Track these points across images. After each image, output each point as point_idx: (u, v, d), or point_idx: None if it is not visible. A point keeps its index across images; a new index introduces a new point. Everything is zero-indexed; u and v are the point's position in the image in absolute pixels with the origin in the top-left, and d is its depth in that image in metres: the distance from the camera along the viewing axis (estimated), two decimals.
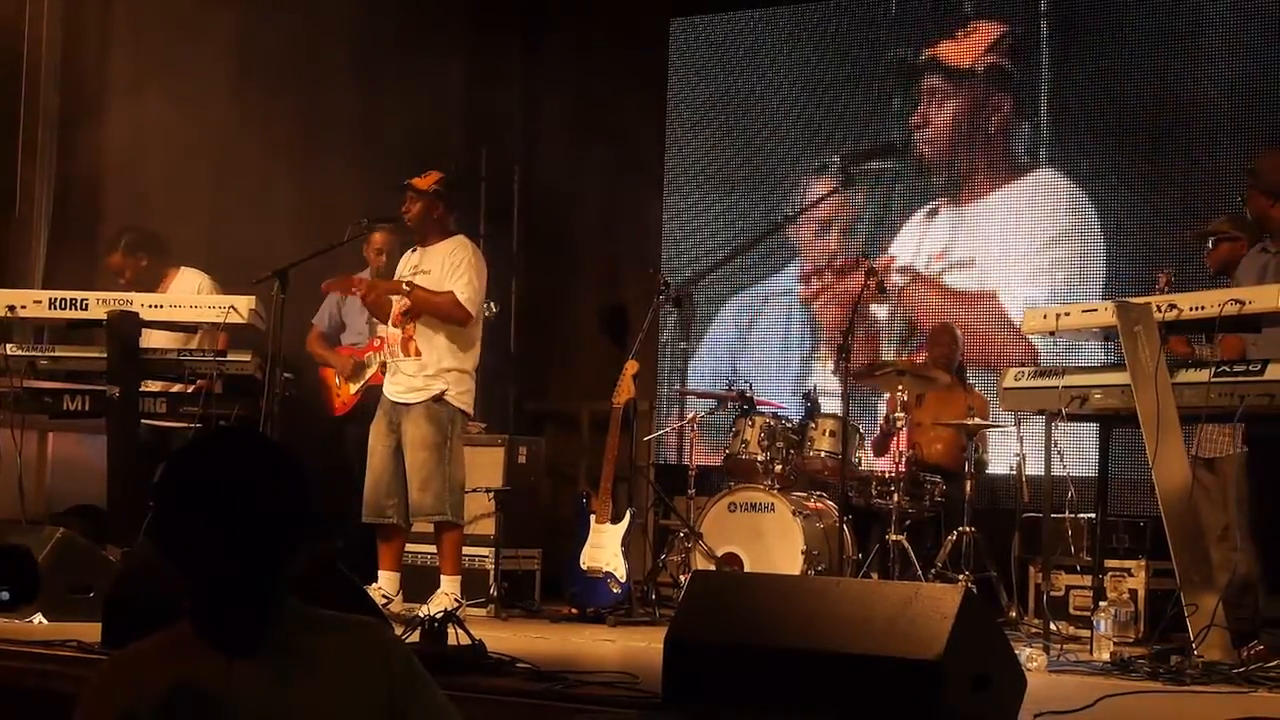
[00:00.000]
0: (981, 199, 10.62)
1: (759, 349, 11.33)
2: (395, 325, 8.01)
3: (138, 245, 8.66)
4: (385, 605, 7.48)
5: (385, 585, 7.87)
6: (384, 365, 8.69)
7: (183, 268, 8.75)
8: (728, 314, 11.50)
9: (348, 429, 9.05)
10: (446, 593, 7.83)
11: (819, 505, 8.90)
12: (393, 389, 8.00)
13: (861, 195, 11.03)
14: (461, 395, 8.00)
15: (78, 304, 7.91)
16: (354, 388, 9.22)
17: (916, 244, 10.77)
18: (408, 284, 7.95)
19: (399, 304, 8.00)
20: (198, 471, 2.56)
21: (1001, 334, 10.26)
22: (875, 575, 8.49)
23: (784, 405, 9.87)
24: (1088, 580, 8.18)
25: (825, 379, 10.26)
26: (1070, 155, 10.32)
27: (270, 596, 2.57)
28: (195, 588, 2.54)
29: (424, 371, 7.93)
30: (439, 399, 7.91)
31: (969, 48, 10.74)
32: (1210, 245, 7.84)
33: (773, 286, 11.35)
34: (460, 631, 5.44)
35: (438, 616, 5.51)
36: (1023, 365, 8.02)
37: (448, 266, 7.98)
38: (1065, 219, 10.26)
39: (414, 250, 8.19)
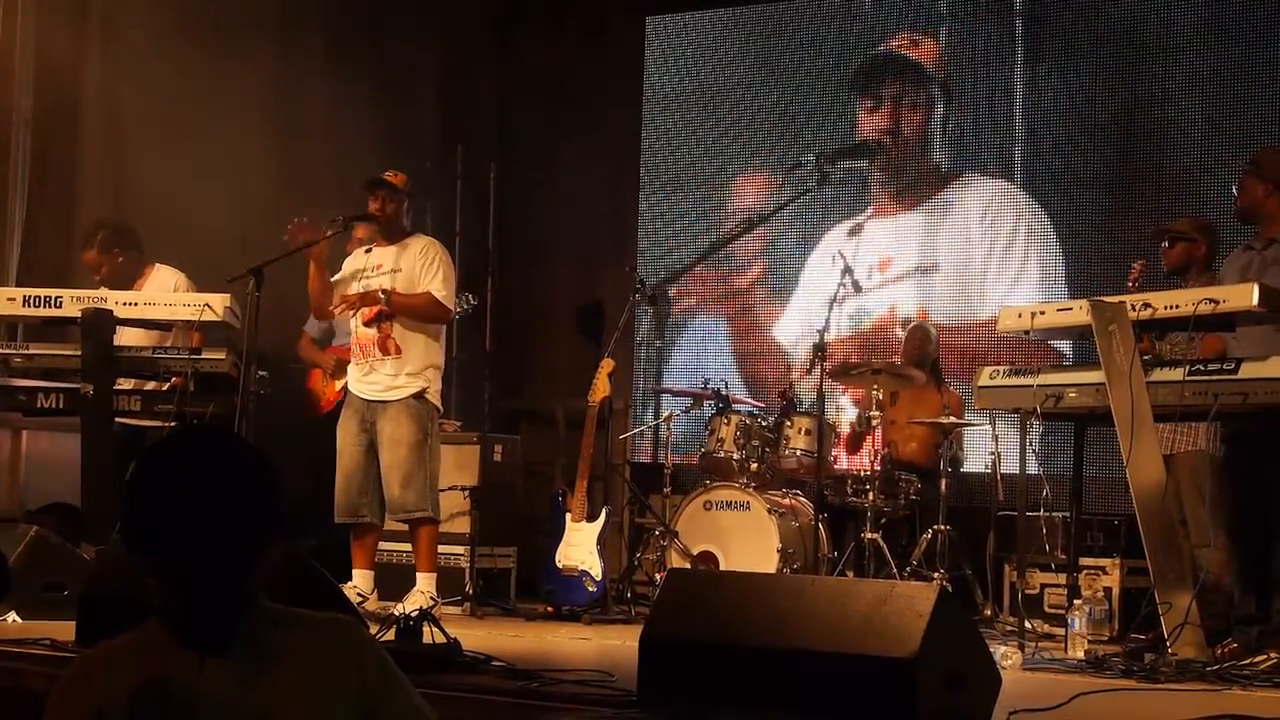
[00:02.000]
0: (941, 202, 10.64)
1: (734, 347, 11.33)
2: (368, 325, 7.96)
3: (113, 241, 8.63)
4: (360, 604, 7.47)
5: (360, 584, 7.86)
6: None
7: (158, 265, 8.72)
8: (703, 312, 11.51)
9: (331, 426, 9.01)
10: (422, 590, 7.81)
11: (794, 503, 8.90)
12: (367, 388, 7.96)
13: (837, 194, 11.04)
14: (437, 393, 8.02)
15: (52, 301, 7.89)
16: (339, 385, 9.21)
17: (873, 245, 10.80)
18: (384, 292, 7.89)
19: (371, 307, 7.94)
20: (168, 470, 2.55)
21: (969, 338, 10.28)
22: (850, 573, 8.49)
23: (760, 404, 9.88)
24: (1062, 578, 8.21)
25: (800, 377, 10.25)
26: (1034, 159, 10.35)
27: (241, 594, 2.56)
28: (165, 586, 2.54)
29: (405, 369, 7.89)
30: (419, 396, 7.89)
31: (936, 51, 10.76)
32: (1167, 244, 7.86)
33: (748, 284, 11.35)
34: (435, 630, 5.43)
35: (413, 615, 5.51)
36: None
37: (420, 265, 7.95)
38: (1025, 224, 10.27)
39: (368, 250, 8.10)
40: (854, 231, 10.88)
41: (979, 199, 10.50)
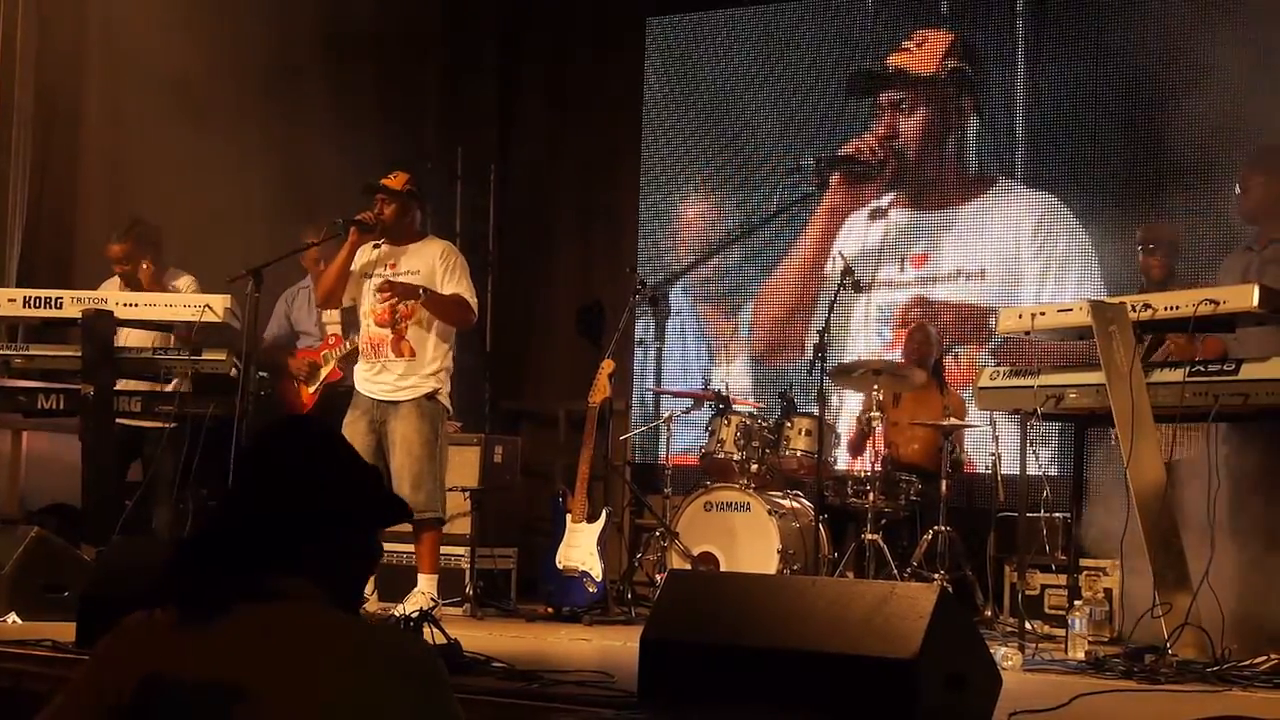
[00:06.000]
0: (958, 205, 10.64)
1: (735, 348, 11.33)
2: (383, 325, 7.93)
3: (147, 238, 8.64)
4: (363, 604, 7.47)
5: None
6: (341, 362, 8.71)
7: (171, 268, 8.75)
8: (704, 313, 11.51)
9: None
10: (423, 592, 7.80)
11: (795, 504, 8.90)
12: (377, 388, 7.91)
13: (837, 197, 11.04)
14: (448, 394, 7.99)
15: (53, 302, 7.88)
16: (311, 389, 9.21)
17: (885, 246, 10.81)
18: (422, 289, 7.86)
19: (386, 306, 7.91)
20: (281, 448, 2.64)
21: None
22: (851, 574, 8.49)
23: (760, 404, 9.88)
24: (1063, 579, 8.21)
25: (802, 378, 10.24)
26: (1047, 160, 10.35)
27: (249, 570, 2.54)
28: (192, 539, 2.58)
29: (419, 371, 7.86)
30: (431, 397, 7.88)
31: (935, 53, 10.77)
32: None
33: (748, 285, 11.36)
34: (436, 631, 5.43)
35: (413, 615, 5.51)
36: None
37: (442, 270, 7.91)
38: (1048, 224, 10.27)
39: (376, 246, 8.04)
40: (879, 215, 10.89)
41: (990, 202, 10.51)
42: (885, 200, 10.91)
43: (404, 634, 2.82)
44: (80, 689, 2.56)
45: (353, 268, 7.98)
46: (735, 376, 10.87)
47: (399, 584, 8.19)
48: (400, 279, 7.87)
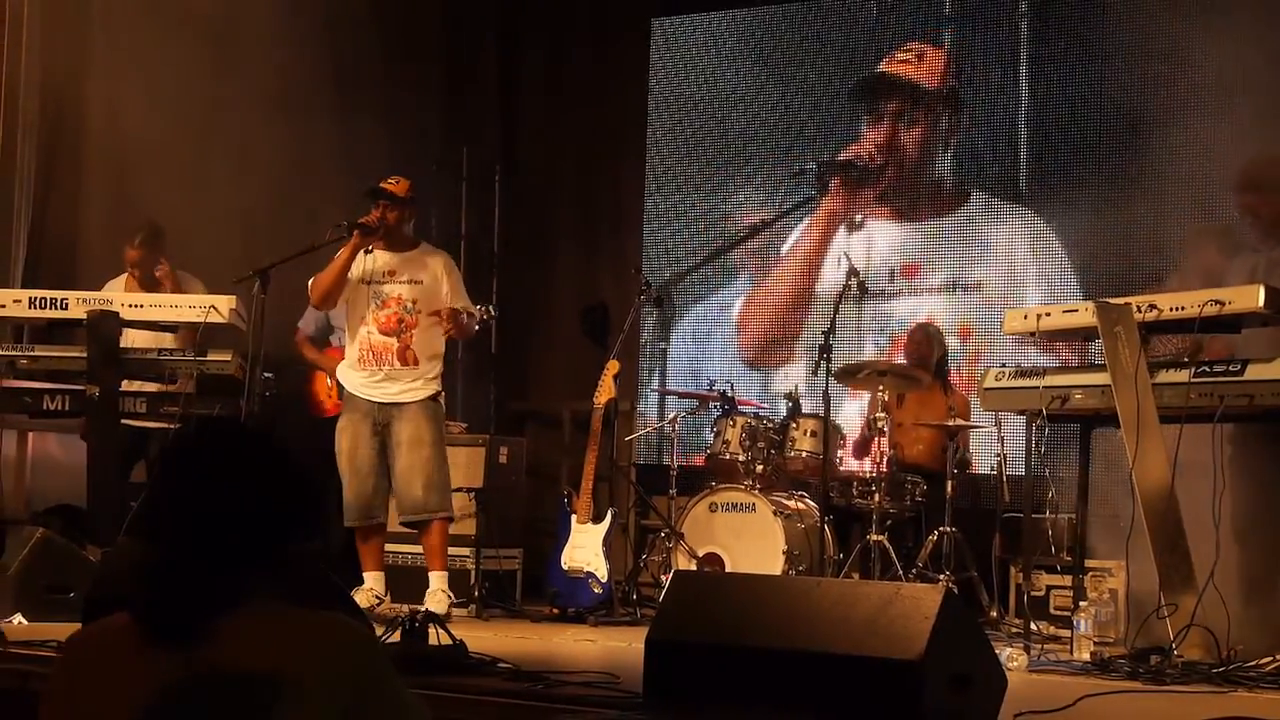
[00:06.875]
0: (949, 215, 10.63)
1: (740, 348, 11.32)
2: (388, 334, 7.97)
3: (161, 242, 8.69)
4: (378, 605, 7.52)
5: (375, 585, 7.89)
6: None
7: (179, 272, 8.76)
8: (708, 314, 11.49)
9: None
10: (442, 589, 7.85)
11: (800, 505, 8.89)
12: (381, 392, 7.94)
13: (839, 199, 11.03)
14: (443, 396, 8.09)
15: (58, 303, 7.89)
16: None
17: (877, 254, 10.81)
18: (468, 314, 8.05)
19: (393, 315, 7.96)
20: (182, 460, 2.57)
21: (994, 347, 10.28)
22: (856, 575, 8.49)
23: (765, 405, 9.87)
24: (1068, 580, 8.20)
25: (805, 380, 10.23)
26: (1040, 166, 10.34)
27: (221, 590, 2.53)
28: (147, 567, 2.54)
29: (424, 376, 7.97)
30: (434, 398, 7.96)
31: (936, 66, 10.76)
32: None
33: (753, 286, 11.35)
34: (441, 631, 5.44)
35: (419, 616, 5.52)
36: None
37: (449, 284, 8.02)
38: (1036, 236, 10.27)
39: (368, 252, 8.04)
40: (856, 229, 10.89)
41: (987, 213, 10.50)
42: (860, 216, 10.91)
43: (361, 624, 2.83)
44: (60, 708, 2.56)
45: (351, 276, 8.03)
46: (740, 377, 10.86)
47: (406, 584, 8.22)
48: (402, 286, 7.93)
